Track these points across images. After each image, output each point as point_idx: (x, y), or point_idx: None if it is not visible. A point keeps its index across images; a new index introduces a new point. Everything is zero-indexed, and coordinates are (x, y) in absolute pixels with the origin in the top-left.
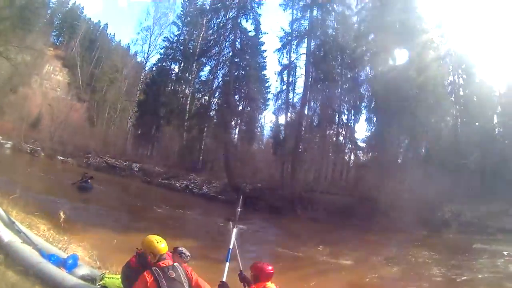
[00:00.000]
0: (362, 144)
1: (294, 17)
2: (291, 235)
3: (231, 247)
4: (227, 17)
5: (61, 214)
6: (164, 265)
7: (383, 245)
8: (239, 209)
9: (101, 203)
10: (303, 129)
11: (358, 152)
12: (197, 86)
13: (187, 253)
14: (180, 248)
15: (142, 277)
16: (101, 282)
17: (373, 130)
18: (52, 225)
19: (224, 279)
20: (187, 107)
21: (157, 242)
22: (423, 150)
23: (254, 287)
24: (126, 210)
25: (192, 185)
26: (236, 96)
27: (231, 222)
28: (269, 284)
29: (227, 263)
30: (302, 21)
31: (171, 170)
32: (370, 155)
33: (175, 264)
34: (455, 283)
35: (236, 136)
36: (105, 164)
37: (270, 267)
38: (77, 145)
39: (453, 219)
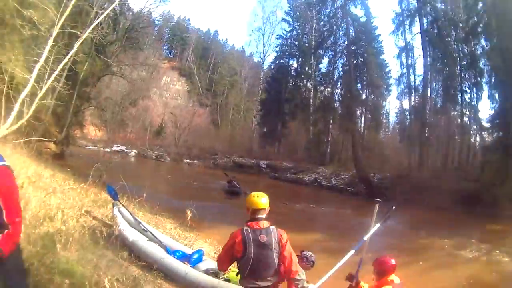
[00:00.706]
0: (486, 124)
1: None
2: (417, 225)
3: (365, 238)
4: (335, 6)
5: (188, 212)
6: (258, 227)
7: (507, 234)
8: (394, 208)
9: (228, 201)
10: (428, 112)
11: (483, 133)
12: (318, 79)
13: (312, 259)
14: (305, 252)
15: (232, 235)
16: (224, 275)
17: (496, 108)
18: (179, 224)
19: (335, 267)
20: (311, 101)
21: (255, 196)
22: None
23: (378, 283)
24: None
25: (321, 178)
26: (358, 85)
27: (377, 205)
28: (392, 276)
29: (353, 251)
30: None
31: (298, 164)
32: (495, 135)
33: (271, 227)
34: None
35: (362, 125)
36: (232, 163)
37: (392, 260)
38: (202, 147)
39: None
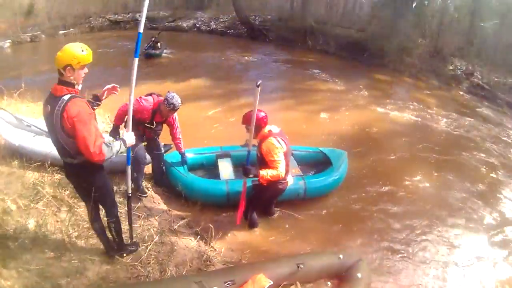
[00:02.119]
0: None
1: None
2: (300, 67)
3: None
4: None
5: None
6: (53, 93)
7: (392, 86)
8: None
9: (104, 63)
10: None
11: None
12: None
13: (172, 101)
14: (168, 93)
15: None
16: None
17: None
18: None
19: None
20: None
21: (60, 51)
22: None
23: (259, 140)
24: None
25: (200, 23)
26: None
27: (258, 89)
28: (268, 126)
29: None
30: None
31: (176, 12)
32: None
33: (64, 96)
34: (461, 138)
35: None
36: (108, 22)
37: (261, 113)
38: (76, 14)
39: (464, 77)
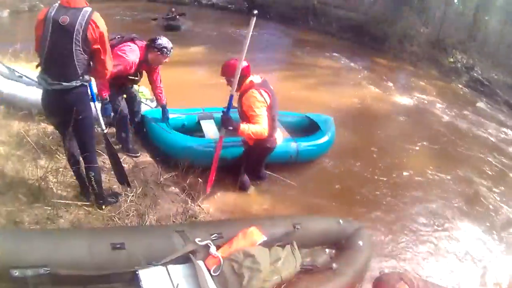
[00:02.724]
0: None
1: None
2: (302, 44)
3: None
4: None
5: None
6: (68, 4)
7: (392, 71)
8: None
9: (122, 30)
10: None
11: None
12: None
13: (169, 46)
14: (162, 38)
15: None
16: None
17: None
18: None
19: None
20: None
21: None
22: None
23: (241, 92)
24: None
25: None
26: None
27: (253, 18)
28: (250, 79)
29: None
30: None
31: None
32: None
33: (86, 8)
34: (459, 128)
35: None
36: None
37: (245, 62)
38: None
39: (464, 71)
